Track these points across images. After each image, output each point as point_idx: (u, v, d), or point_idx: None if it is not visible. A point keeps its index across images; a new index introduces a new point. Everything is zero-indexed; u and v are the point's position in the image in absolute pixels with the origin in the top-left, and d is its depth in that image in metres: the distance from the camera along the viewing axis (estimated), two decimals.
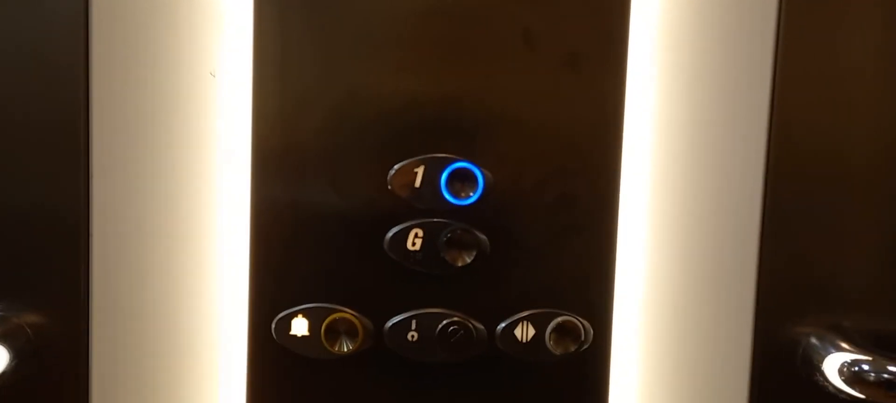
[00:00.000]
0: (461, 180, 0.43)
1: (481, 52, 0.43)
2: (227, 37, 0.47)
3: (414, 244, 0.44)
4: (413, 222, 0.44)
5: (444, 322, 0.44)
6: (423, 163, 0.43)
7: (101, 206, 0.38)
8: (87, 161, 0.37)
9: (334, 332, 0.44)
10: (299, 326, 0.44)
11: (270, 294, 0.45)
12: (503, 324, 0.45)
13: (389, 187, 0.44)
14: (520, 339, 0.45)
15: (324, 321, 0.44)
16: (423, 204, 0.44)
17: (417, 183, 0.43)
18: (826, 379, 0.37)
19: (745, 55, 0.39)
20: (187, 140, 0.45)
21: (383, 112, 0.44)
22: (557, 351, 0.45)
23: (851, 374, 0.36)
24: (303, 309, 0.44)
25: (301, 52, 0.43)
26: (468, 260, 0.44)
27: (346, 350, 0.44)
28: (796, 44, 0.37)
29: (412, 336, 0.45)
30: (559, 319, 0.45)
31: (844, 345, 0.38)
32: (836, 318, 0.39)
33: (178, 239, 0.45)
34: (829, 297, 0.39)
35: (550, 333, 0.45)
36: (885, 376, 0.35)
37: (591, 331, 0.45)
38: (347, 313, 0.44)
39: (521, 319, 0.45)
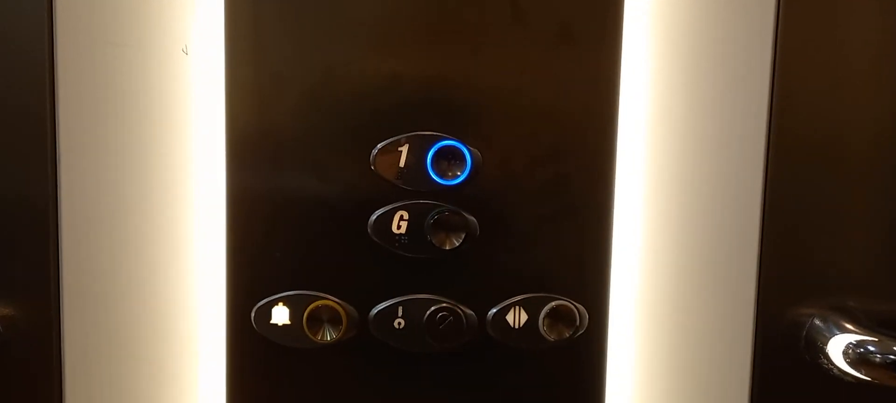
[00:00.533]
0: (448, 159, 0.42)
1: (467, 25, 0.42)
2: (199, 11, 0.45)
3: (399, 227, 0.43)
4: (398, 204, 0.43)
5: (433, 308, 0.43)
6: (407, 142, 0.42)
7: (69, 192, 0.37)
8: (54, 145, 0.36)
9: (317, 320, 0.43)
10: (280, 314, 0.43)
11: (249, 281, 0.44)
12: (494, 310, 0.44)
13: (372, 167, 0.42)
14: (512, 325, 0.44)
15: (306, 308, 0.43)
16: (409, 185, 0.43)
17: (402, 162, 0.42)
18: (830, 362, 0.37)
19: (745, 33, 0.38)
20: (159, 121, 0.44)
21: (365, 90, 0.42)
22: (551, 337, 0.44)
23: (857, 356, 0.36)
24: (283, 297, 0.43)
25: (276, 28, 0.42)
26: (456, 243, 0.43)
27: (329, 338, 0.43)
28: (797, 23, 0.36)
29: (399, 324, 0.44)
30: (553, 304, 0.44)
31: (849, 326, 0.38)
32: (839, 299, 0.39)
33: (152, 225, 0.44)
34: (833, 278, 0.38)
35: (544, 318, 0.44)
36: (892, 357, 0.35)
37: (587, 316, 0.45)
38: (330, 300, 0.43)
39: (513, 304, 0.44)
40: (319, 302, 0.43)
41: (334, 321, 0.43)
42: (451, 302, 0.44)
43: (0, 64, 0.35)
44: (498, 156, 0.43)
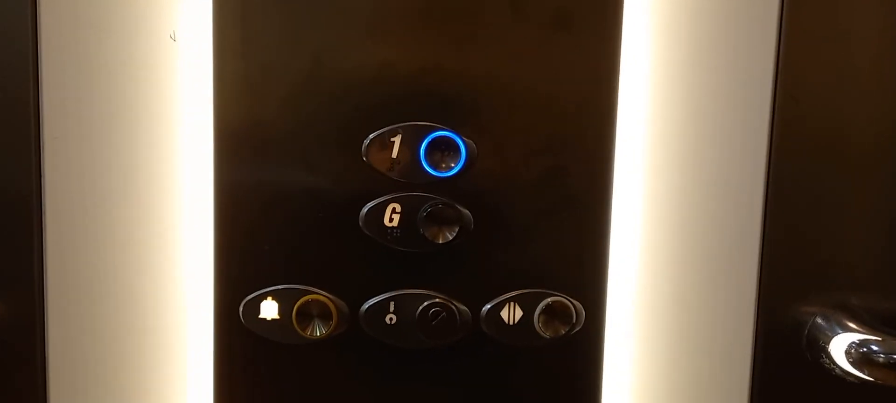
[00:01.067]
0: (442, 150, 0.41)
1: (462, 12, 0.41)
2: (188, 3, 0.45)
3: (391, 220, 0.42)
4: (390, 196, 0.42)
5: (425, 303, 0.42)
6: (400, 132, 0.41)
7: (54, 184, 0.37)
8: (38, 136, 0.36)
9: (306, 315, 0.42)
10: (269, 309, 0.43)
11: (237, 275, 0.43)
12: (488, 306, 0.43)
13: (364, 159, 0.42)
14: (506, 321, 0.43)
15: (295, 303, 0.42)
16: (401, 177, 0.42)
17: (394, 153, 0.41)
18: (833, 361, 0.37)
19: (748, 25, 0.38)
20: (146, 111, 0.43)
21: (356, 79, 0.41)
22: (547, 334, 0.43)
23: (860, 355, 0.36)
24: (272, 291, 0.43)
25: (266, 15, 0.41)
26: (450, 237, 0.42)
27: (319, 334, 0.42)
28: (801, 15, 0.36)
29: (390, 319, 0.43)
30: (549, 300, 0.43)
31: (852, 325, 0.37)
32: (842, 297, 0.39)
33: (138, 217, 0.43)
34: (835, 275, 0.39)
35: (539, 315, 0.43)
36: None
37: (583, 313, 0.44)
38: (320, 295, 0.42)
39: (508, 300, 0.43)
40: (309, 297, 0.42)
41: (324, 316, 0.42)
42: (445, 297, 0.43)
43: None
44: (493, 148, 0.42)
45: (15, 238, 0.36)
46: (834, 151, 0.37)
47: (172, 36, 0.43)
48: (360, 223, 0.42)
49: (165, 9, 0.44)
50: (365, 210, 0.42)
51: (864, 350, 0.35)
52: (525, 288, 0.43)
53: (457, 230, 0.42)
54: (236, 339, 0.43)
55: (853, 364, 0.35)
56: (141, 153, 0.43)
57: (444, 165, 0.41)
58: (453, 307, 0.43)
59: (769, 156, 0.37)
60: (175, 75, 0.45)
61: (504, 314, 0.43)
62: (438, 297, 0.43)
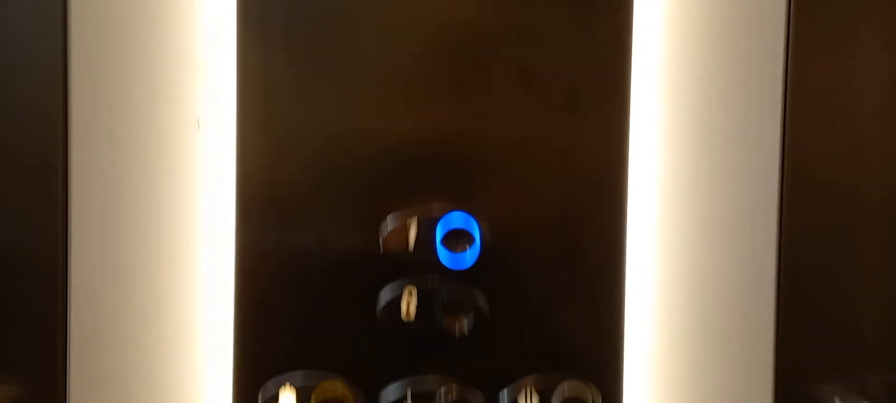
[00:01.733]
0: (457, 236, 0.41)
1: (475, 93, 0.42)
2: (212, 84, 0.46)
3: (408, 306, 0.41)
4: (406, 282, 0.42)
5: (442, 390, 0.42)
6: (416, 222, 0.41)
7: (79, 265, 0.37)
8: (66, 212, 0.36)
9: None
10: (287, 402, 0.42)
11: (256, 359, 0.42)
12: (505, 391, 0.43)
13: (381, 246, 0.42)
14: None
15: (313, 395, 0.41)
16: (418, 265, 0.42)
17: (411, 242, 0.41)
18: None
19: (754, 98, 0.39)
20: (170, 192, 0.43)
21: (372, 160, 0.42)
22: None
23: None
24: (290, 377, 0.42)
25: (285, 96, 0.42)
26: (466, 323, 0.41)
27: None
28: (805, 81, 0.36)
29: None
30: (565, 385, 0.42)
31: None
32: (859, 372, 0.37)
33: (160, 300, 0.43)
34: (851, 351, 0.38)
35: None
36: None
37: (600, 398, 0.43)
38: (338, 383, 0.42)
39: (525, 385, 0.42)
40: (327, 385, 0.41)
41: None
42: (461, 384, 0.42)
43: (15, 130, 0.36)
44: (507, 230, 0.42)
45: (40, 315, 0.36)
46: (845, 226, 0.37)
47: (197, 123, 0.43)
48: (378, 310, 0.42)
49: (192, 93, 0.45)
50: (381, 297, 0.42)
51: None
52: (541, 371, 0.43)
53: (473, 316, 0.41)
54: None
55: None
56: (165, 235, 0.43)
57: (459, 250, 0.41)
58: (471, 395, 0.42)
59: (779, 232, 0.37)
60: (199, 156, 0.46)
61: (521, 400, 0.42)
62: (455, 384, 0.42)
